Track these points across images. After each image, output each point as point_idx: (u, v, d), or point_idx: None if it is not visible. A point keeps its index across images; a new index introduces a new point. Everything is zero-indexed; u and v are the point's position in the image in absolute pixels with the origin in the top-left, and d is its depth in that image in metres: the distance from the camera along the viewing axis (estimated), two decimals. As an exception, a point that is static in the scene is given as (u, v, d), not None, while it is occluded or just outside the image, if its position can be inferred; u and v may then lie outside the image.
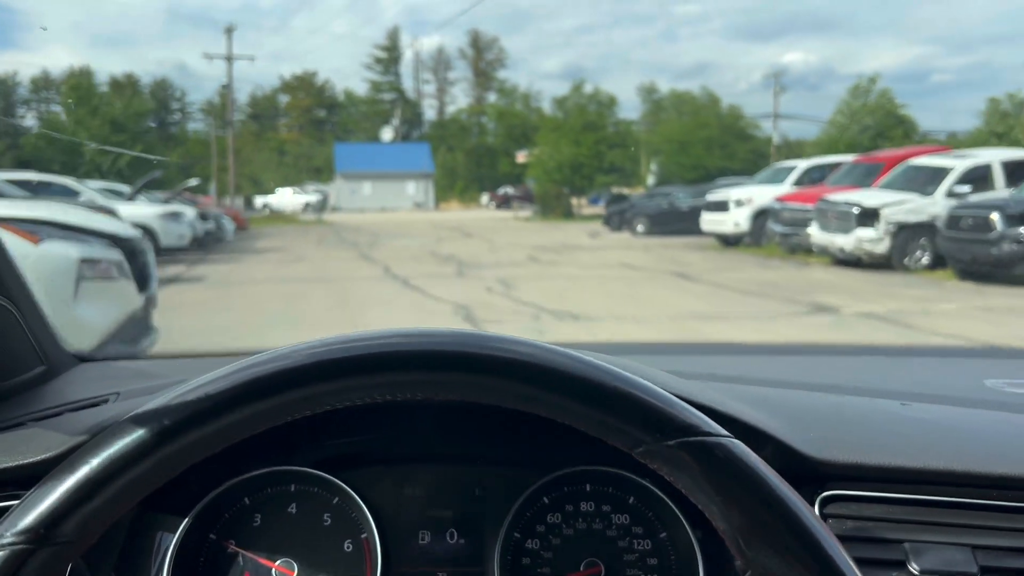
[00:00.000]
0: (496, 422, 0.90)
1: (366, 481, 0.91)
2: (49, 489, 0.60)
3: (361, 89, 66.22)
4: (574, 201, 33.33)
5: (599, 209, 36.55)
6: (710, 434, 0.61)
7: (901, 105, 32.11)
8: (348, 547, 0.89)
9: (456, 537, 0.91)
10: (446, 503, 0.92)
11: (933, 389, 1.23)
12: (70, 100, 24.35)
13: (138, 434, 0.60)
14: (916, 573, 0.78)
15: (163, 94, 65.45)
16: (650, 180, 39.17)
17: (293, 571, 0.87)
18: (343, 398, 0.62)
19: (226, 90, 31.61)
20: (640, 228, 21.01)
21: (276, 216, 32.07)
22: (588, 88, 37.73)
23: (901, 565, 0.79)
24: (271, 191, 40.73)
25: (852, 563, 0.59)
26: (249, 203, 36.34)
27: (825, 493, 0.85)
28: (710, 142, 34.16)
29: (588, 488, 0.92)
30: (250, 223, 25.54)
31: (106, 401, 1.03)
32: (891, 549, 0.80)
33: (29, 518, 0.59)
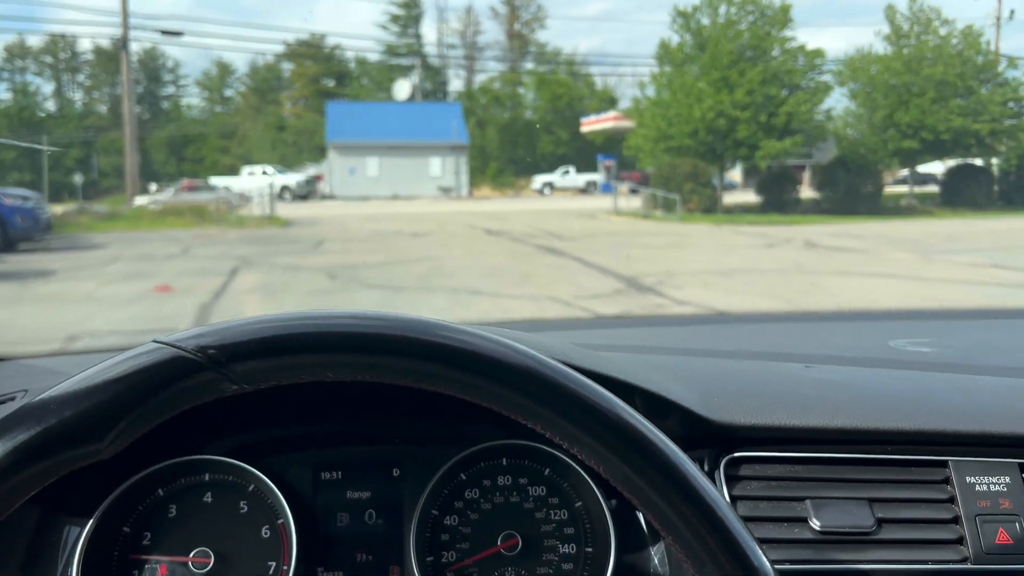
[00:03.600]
0: (412, 400, 0.88)
1: (282, 467, 0.92)
2: (238, 329, 0.59)
3: (375, 56, 54.69)
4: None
5: (743, 196, 22.79)
6: None
7: None
8: (266, 533, 0.89)
9: (374, 518, 0.93)
10: (364, 484, 0.93)
11: (839, 351, 1.30)
12: None
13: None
14: (817, 528, 0.83)
15: (153, 64, 54.78)
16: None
17: (210, 559, 0.87)
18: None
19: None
20: None
21: (175, 208, 18.63)
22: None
23: (804, 522, 0.84)
24: (257, 172, 30.50)
25: None
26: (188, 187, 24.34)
27: (729, 456, 0.88)
28: (941, 89, 19.45)
29: (505, 462, 0.93)
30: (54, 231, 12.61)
31: (13, 399, 1.04)
32: (794, 507, 0.85)
33: (212, 338, 0.59)
